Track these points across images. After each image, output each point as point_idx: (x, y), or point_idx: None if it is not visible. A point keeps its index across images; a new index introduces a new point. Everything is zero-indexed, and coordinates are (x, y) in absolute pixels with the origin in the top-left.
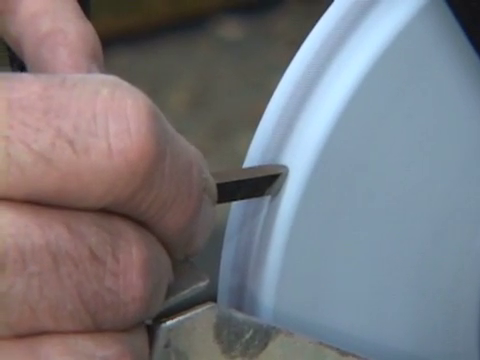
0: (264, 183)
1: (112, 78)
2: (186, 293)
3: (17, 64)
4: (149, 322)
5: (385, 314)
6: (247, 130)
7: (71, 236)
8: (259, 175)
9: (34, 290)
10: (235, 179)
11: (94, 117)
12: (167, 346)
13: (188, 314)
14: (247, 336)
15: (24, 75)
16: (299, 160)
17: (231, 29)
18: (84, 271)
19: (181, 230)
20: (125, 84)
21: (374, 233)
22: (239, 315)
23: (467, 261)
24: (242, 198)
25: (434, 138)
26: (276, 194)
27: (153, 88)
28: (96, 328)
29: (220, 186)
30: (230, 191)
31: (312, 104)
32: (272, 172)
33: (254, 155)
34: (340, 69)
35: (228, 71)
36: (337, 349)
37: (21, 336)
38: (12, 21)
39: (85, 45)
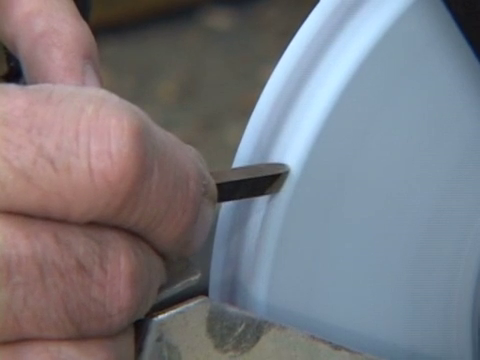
0: (264, 183)
1: (100, 94)
2: (178, 287)
3: (14, 63)
4: (141, 316)
5: (378, 308)
6: (236, 121)
7: (58, 246)
8: (259, 175)
9: (18, 300)
10: (235, 179)
11: (77, 136)
12: (159, 340)
13: (180, 308)
14: (239, 330)
15: (10, 87)
16: (290, 158)
17: (220, 20)
18: (70, 281)
19: (175, 240)
20: (113, 100)
21: (367, 228)
22: (231, 309)
23: (460, 256)
24: (242, 197)
25: (427, 134)
26: (276, 193)
27: (141, 79)
28: (80, 336)
29: (220, 186)
30: (230, 190)
31: (302, 101)
32: (273, 172)
33: (244, 153)
34: (331, 65)
35: (217, 62)
36: (330, 343)
37: (5, 343)
38: (7, 21)
39: (80, 46)
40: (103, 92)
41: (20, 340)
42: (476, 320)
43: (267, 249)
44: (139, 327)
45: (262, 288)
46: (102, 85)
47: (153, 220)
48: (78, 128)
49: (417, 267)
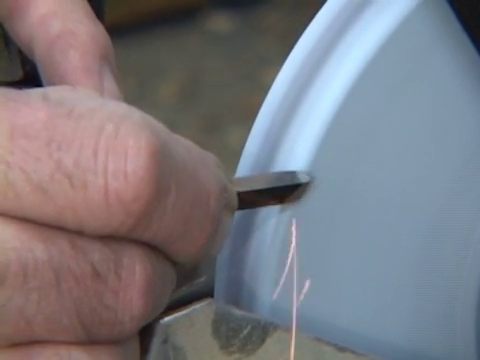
0: (285, 192)
1: (121, 111)
2: (184, 289)
3: (29, 67)
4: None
5: (382, 310)
6: (237, 123)
7: (74, 252)
8: (280, 184)
9: (32, 304)
10: (256, 188)
11: (95, 154)
12: (165, 342)
13: (186, 310)
14: (245, 332)
15: (32, 97)
16: (294, 162)
17: (220, 22)
18: (84, 287)
19: (191, 255)
20: (134, 117)
21: (372, 229)
22: (237, 311)
23: (465, 257)
24: (261, 205)
25: (431, 135)
26: (297, 202)
27: (143, 81)
28: (90, 342)
29: (240, 194)
30: (251, 199)
31: (307, 104)
32: (293, 181)
33: (248, 158)
34: (335, 68)
35: (217, 64)
36: (335, 345)
37: (16, 345)
38: (22, 23)
39: (96, 47)
40: (124, 109)
41: (31, 342)
42: None
43: (272, 251)
44: (145, 329)
45: (267, 290)
46: (119, 85)
47: (169, 237)
48: (97, 146)
49: (421, 268)
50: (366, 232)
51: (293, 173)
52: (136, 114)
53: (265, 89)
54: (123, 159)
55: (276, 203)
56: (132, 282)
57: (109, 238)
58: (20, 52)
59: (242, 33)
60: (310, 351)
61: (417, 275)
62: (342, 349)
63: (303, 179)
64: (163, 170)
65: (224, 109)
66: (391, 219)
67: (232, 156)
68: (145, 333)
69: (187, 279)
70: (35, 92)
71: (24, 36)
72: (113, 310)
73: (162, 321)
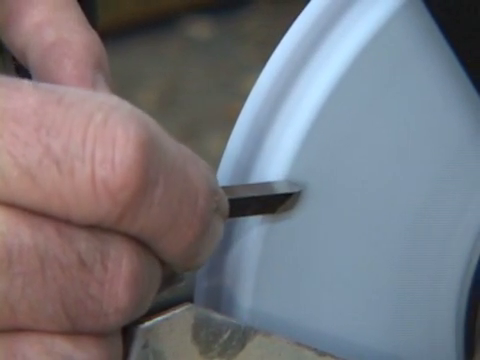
0: (276, 201)
1: (112, 101)
2: (164, 294)
3: (23, 74)
4: (127, 323)
5: (363, 314)
6: (217, 130)
7: (61, 240)
8: (271, 193)
9: (16, 290)
10: (247, 195)
11: (84, 141)
12: (145, 347)
13: (166, 315)
14: (225, 337)
15: (24, 83)
16: (275, 166)
17: (200, 29)
18: (70, 276)
19: (179, 254)
20: (124, 109)
21: (353, 234)
22: (217, 316)
23: (446, 257)
24: (253, 214)
25: (414, 136)
26: (288, 212)
27: (122, 88)
28: (75, 332)
29: (232, 201)
30: (241, 206)
31: (288, 107)
32: (285, 190)
33: (227, 164)
34: (317, 70)
35: (197, 71)
36: (315, 349)
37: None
38: (17, 31)
39: (90, 55)
40: (115, 100)
41: (15, 330)
42: (461, 323)
43: (252, 256)
44: (125, 334)
45: (247, 295)
46: (112, 93)
47: (157, 232)
48: (86, 134)
49: (403, 269)
50: (348, 234)
51: (285, 183)
52: (126, 106)
53: (245, 96)
54: (111, 148)
55: (268, 212)
56: (118, 274)
57: (97, 229)
58: (14, 59)
59: (222, 40)
60: (290, 355)
61: (399, 276)
62: (322, 354)
63: (295, 189)
64: (151, 161)
65: (204, 116)
66: (373, 220)
67: (212, 163)
68: (125, 338)
69: (167, 284)
70: (26, 81)
71: (18, 44)
72: (98, 301)
73: (142, 326)
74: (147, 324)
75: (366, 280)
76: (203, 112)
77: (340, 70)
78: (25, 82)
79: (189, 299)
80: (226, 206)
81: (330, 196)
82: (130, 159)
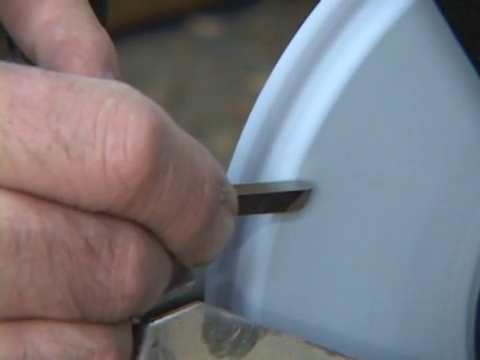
0: (287, 199)
1: (122, 88)
2: (174, 292)
3: None
4: (137, 321)
5: (374, 313)
6: (224, 129)
7: (68, 226)
8: (282, 190)
9: (24, 276)
10: (257, 192)
11: (94, 127)
12: (155, 345)
13: (176, 313)
14: (235, 335)
15: (34, 70)
16: (285, 165)
17: (207, 28)
18: (77, 262)
19: (185, 243)
20: (134, 95)
21: (363, 233)
22: (227, 314)
23: (457, 257)
24: (264, 212)
25: (424, 136)
26: (299, 211)
27: None
28: (83, 319)
29: (242, 198)
30: (252, 204)
31: (298, 107)
32: (295, 188)
33: (238, 162)
34: (326, 71)
35: (204, 70)
36: (325, 348)
37: (8, 320)
38: (26, 29)
39: (100, 54)
40: (125, 87)
41: (24, 318)
42: (472, 322)
43: (263, 254)
44: (135, 332)
45: (258, 292)
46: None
47: (164, 219)
48: (96, 119)
49: (413, 269)
50: (358, 233)
51: (296, 182)
52: (137, 93)
53: (252, 95)
54: (123, 133)
55: (278, 210)
56: (125, 260)
57: (105, 215)
58: (23, 56)
59: (229, 39)
60: (300, 354)
61: (409, 275)
62: (332, 353)
63: (304, 187)
64: (162, 148)
65: (210, 115)
66: (383, 219)
67: (218, 161)
68: (135, 337)
69: (177, 282)
70: (36, 68)
71: (28, 41)
72: (105, 287)
73: (152, 324)
74: (157, 322)
75: (376, 279)
76: (210, 111)
77: (351, 69)
78: (35, 69)
79: (199, 298)
80: (234, 200)
81: (341, 195)
82: (142, 144)
